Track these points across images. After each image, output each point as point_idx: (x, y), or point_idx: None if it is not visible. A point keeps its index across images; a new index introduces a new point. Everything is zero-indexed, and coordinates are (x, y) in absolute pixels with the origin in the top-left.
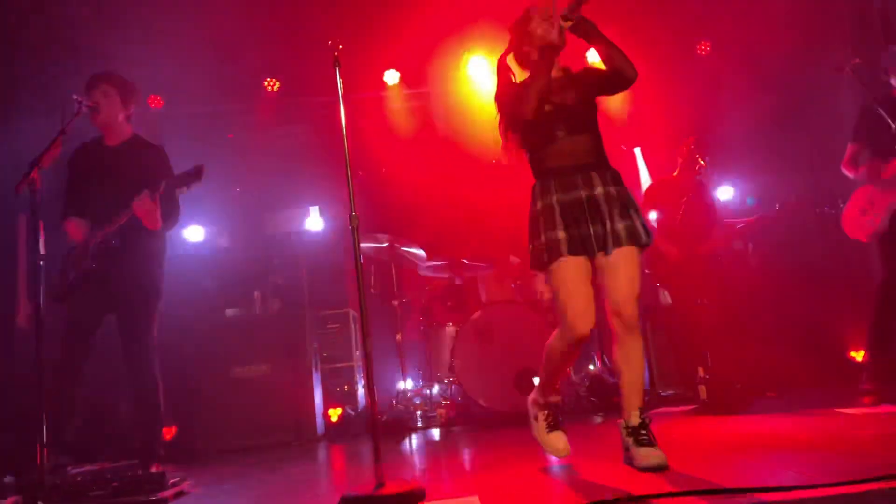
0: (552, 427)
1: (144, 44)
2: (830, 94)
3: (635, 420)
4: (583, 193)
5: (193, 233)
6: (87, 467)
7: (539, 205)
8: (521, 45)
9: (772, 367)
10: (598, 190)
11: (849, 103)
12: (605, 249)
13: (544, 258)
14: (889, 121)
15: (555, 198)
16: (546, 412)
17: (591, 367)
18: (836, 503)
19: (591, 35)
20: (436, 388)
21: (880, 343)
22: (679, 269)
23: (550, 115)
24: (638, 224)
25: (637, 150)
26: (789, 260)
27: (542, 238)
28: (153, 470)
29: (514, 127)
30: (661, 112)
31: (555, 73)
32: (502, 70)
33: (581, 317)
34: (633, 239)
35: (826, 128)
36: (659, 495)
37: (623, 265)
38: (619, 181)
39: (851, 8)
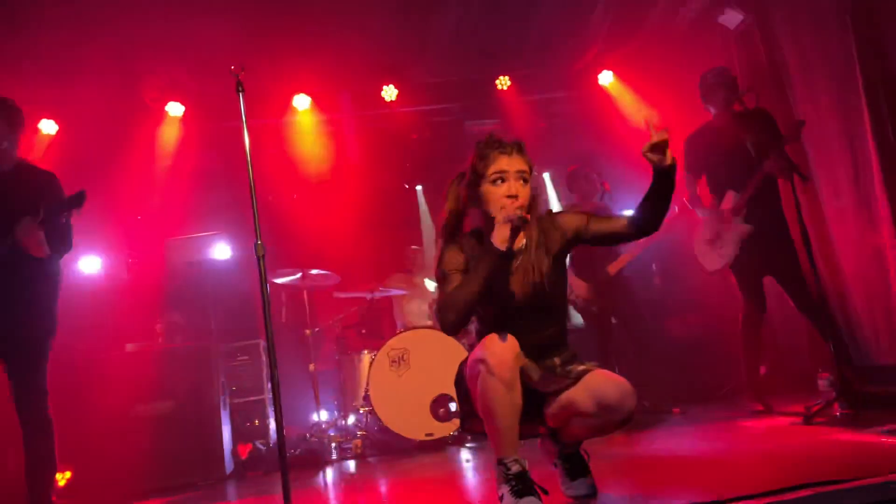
0: (520, 493)
1: (36, 63)
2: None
3: (572, 449)
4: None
5: (89, 264)
6: None
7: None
8: (469, 184)
9: (676, 384)
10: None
11: None
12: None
13: None
14: (712, 149)
15: None
16: (513, 483)
17: None
18: None
19: None
20: (351, 419)
21: (752, 365)
22: (590, 291)
23: (503, 307)
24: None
25: (546, 175)
26: (692, 276)
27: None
28: None
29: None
30: (565, 138)
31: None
32: (450, 194)
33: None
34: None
35: None
36: None
37: (591, 380)
38: (572, 360)
39: (737, 39)
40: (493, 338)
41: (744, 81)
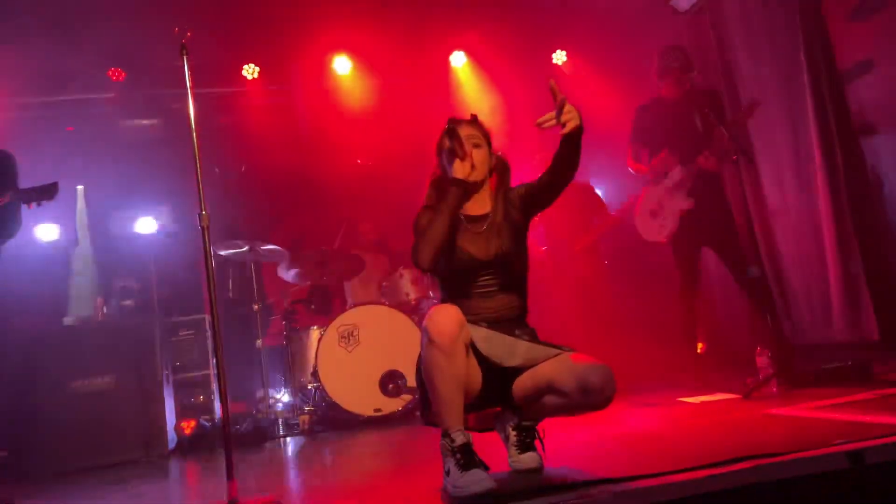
0: (465, 466)
1: None
2: None
3: (532, 422)
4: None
5: (46, 231)
6: None
7: None
8: (438, 163)
9: (622, 361)
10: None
11: None
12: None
13: None
14: (660, 122)
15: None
16: (458, 456)
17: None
18: (680, 490)
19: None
20: (299, 395)
21: (690, 339)
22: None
23: (465, 268)
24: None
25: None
26: (637, 256)
27: None
28: None
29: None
30: (524, 117)
31: (481, 207)
32: (430, 187)
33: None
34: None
35: None
36: (515, 493)
37: (574, 361)
38: (536, 339)
39: (688, 22)
40: (437, 308)
41: (693, 63)
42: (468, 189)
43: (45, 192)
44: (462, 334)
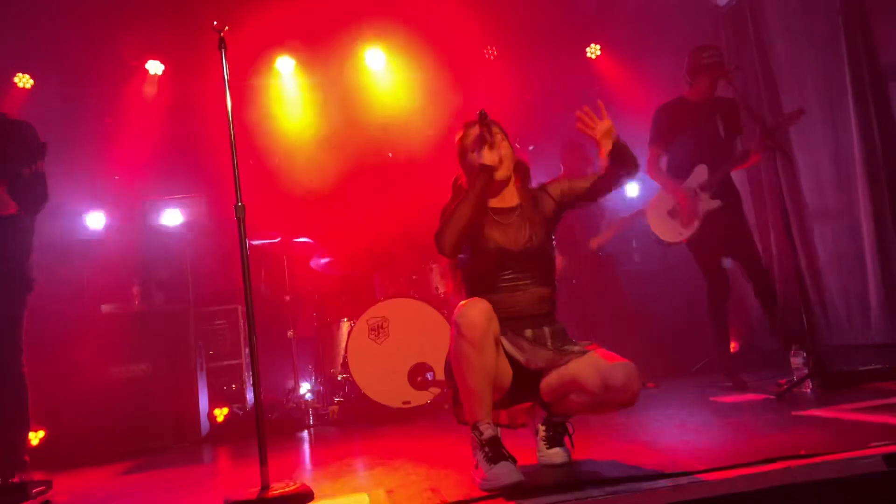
0: (494, 459)
1: (11, 15)
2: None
3: (561, 419)
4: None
5: (95, 220)
6: None
7: None
8: (462, 166)
9: (651, 359)
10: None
11: None
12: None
13: None
14: (682, 123)
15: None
16: (486, 449)
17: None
18: (710, 489)
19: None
20: (328, 385)
21: (722, 341)
22: (572, 266)
23: (493, 259)
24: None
25: (530, 148)
26: (670, 252)
27: None
28: (14, 481)
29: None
30: (552, 113)
31: (509, 201)
32: (453, 192)
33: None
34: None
35: None
36: (544, 487)
37: (598, 359)
38: (565, 337)
39: (726, 17)
40: (467, 302)
41: (730, 60)
42: (495, 179)
43: (35, 153)
44: (491, 327)
